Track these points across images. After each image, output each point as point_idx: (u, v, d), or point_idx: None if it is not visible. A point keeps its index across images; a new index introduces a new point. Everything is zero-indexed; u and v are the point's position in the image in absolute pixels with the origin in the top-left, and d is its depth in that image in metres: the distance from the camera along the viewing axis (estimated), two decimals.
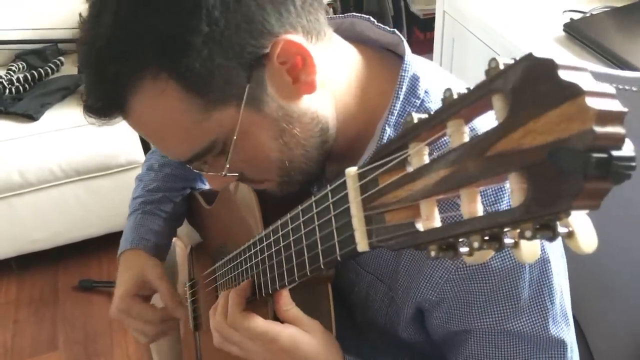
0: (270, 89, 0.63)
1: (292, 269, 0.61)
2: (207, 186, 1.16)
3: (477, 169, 0.33)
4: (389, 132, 0.69)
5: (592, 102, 0.27)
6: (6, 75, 2.29)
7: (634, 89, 0.97)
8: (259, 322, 0.68)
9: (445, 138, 0.37)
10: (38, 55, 2.39)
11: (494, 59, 0.32)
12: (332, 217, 0.51)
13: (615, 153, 0.28)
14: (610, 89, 0.29)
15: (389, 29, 0.75)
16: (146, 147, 2.16)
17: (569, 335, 0.72)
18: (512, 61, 0.31)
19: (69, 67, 2.39)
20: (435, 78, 0.73)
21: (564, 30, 1.52)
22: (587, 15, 1.56)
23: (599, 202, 0.29)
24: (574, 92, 0.28)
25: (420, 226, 0.40)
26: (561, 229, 0.32)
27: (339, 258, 0.51)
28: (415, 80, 0.70)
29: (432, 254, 0.38)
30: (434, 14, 1.97)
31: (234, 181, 0.72)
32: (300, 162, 0.69)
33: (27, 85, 2.27)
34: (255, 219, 0.76)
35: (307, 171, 0.70)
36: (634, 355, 1.12)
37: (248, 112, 0.63)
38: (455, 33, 1.86)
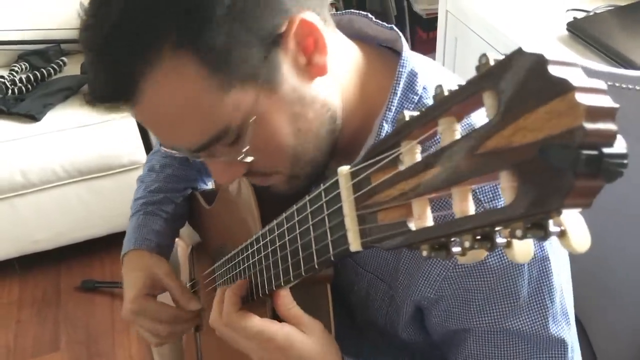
0: (284, 69, 0.62)
1: (288, 269, 0.61)
2: (208, 187, 1.16)
3: (468, 167, 0.33)
4: (386, 128, 0.69)
5: (582, 98, 0.27)
6: (9, 76, 2.29)
7: (637, 87, 0.96)
8: (255, 321, 0.67)
9: (438, 136, 0.36)
10: (41, 55, 2.39)
11: (484, 55, 0.32)
12: (326, 217, 0.50)
13: (606, 150, 0.27)
14: (601, 84, 0.28)
15: (387, 25, 0.74)
16: (148, 148, 2.16)
17: (570, 335, 0.71)
18: (503, 57, 0.31)
19: (72, 68, 2.38)
20: (434, 75, 0.73)
21: (568, 29, 1.52)
22: (591, 14, 1.55)
23: (591, 201, 0.29)
24: (563, 88, 0.27)
25: (412, 225, 0.40)
26: (553, 228, 0.31)
27: (332, 258, 0.51)
28: (413, 76, 0.70)
29: (424, 253, 0.38)
30: (437, 13, 1.96)
31: (241, 176, 0.70)
32: (310, 151, 0.67)
33: (29, 86, 2.27)
34: (253, 219, 0.76)
35: (315, 163, 0.69)
36: (637, 357, 1.11)
37: (264, 94, 0.61)
38: (458, 32, 1.85)
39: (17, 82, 2.26)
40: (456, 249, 0.36)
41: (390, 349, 0.84)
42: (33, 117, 2.14)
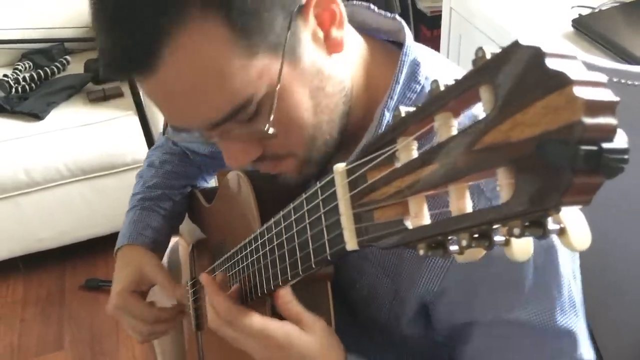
0: (305, 41, 0.61)
1: (286, 269, 0.60)
2: (208, 184, 1.15)
3: (465, 163, 0.32)
4: (388, 116, 0.68)
5: (580, 92, 0.26)
6: (13, 75, 2.30)
7: None
8: (255, 320, 0.66)
9: (435, 132, 0.35)
10: (44, 54, 2.39)
11: (480, 48, 0.31)
12: (322, 215, 0.50)
13: (606, 145, 0.26)
14: (601, 77, 0.27)
15: (389, 14, 0.74)
16: (151, 146, 2.16)
17: (579, 327, 0.69)
18: (500, 50, 0.30)
19: (76, 67, 2.39)
20: (439, 66, 0.72)
21: (573, 26, 1.50)
22: (596, 10, 1.54)
23: (590, 198, 0.28)
24: (561, 81, 0.26)
25: (409, 224, 0.39)
26: (552, 226, 0.30)
27: (329, 257, 0.50)
28: (415, 65, 0.69)
29: (421, 252, 0.37)
30: (441, 11, 1.95)
31: (255, 158, 0.66)
32: (325, 132, 0.66)
33: (33, 85, 2.27)
34: (253, 217, 0.75)
35: (327, 147, 0.68)
36: None
37: (287, 64, 0.60)
38: (462, 30, 1.84)
39: (21, 80, 2.27)
40: (453, 248, 0.35)
41: (392, 346, 0.83)
42: (37, 116, 2.14)
